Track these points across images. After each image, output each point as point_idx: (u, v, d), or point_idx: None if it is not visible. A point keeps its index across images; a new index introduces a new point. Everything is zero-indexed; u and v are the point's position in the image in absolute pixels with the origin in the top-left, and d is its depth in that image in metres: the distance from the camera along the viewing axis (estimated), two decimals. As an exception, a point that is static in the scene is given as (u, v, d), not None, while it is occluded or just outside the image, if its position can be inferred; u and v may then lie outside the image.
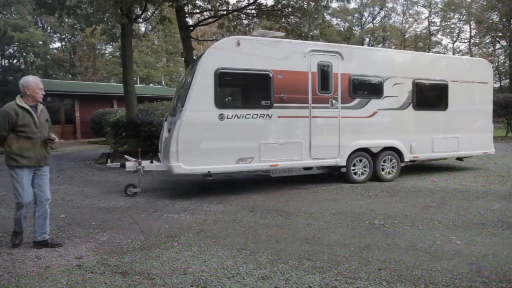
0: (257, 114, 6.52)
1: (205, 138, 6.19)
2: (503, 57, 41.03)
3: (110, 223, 4.99)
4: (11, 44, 18.04)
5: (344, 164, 7.32)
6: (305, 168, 7.32)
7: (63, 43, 41.70)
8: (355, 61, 7.45)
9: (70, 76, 38.87)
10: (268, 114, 6.60)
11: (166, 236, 4.35)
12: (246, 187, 7.44)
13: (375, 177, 7.70)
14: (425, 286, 2.99)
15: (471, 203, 5.78)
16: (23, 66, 18.24)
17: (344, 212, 5.33)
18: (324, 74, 7.11)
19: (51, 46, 39.72)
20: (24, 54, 21.77)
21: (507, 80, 42.31)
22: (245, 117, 6.42)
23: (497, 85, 42.82)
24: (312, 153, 6.97)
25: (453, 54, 42.91)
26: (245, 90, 6.90)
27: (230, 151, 6.33)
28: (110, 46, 38.69)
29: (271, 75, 6.63)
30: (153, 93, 26.13)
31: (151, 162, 6.84)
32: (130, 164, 6.72)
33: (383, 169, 7.80)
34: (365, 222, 4.84)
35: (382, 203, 5.89)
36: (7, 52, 17.39)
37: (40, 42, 33.84)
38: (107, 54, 41.18)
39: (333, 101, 7.16)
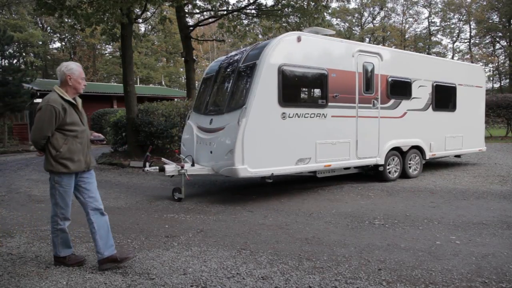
0: (314, 113, 6.43)
1: (268, 138, 5.89)
2: (503, 57, 41.06)
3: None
4: (11, 44, 17.99)
5: (383, 162, 7.46)
6: (345, 168, 7.30)
7: (63, 43, 41.72)
8: (391, 63, 7.67)
9: (70, 76, 38.83)
10: (323, 114, 6.53)
11: (166, 236, 4.35)
12: (246, 187, 7.44)
13: (403, 174, 7.96)
14: (425, 286, 2.99)
15: (471, 203, 5.78)
16: (23, 66, 18.19)
17: (344, 212, 5.33)
18: (368, 74, 7.23)
19: (51, 46, 39.78)
20: (24, 54, 21.81)
21: (507, 80, 42.31)
22: (304, 116, 6.29)
23: (497, 85, 42.83)
24: (358, 153, 7.03)
25: (453, 54, 42.93)
26: (304, 88, 6.76)
27: (291, 151, 6.12)
28: (110, 46, 38.72)
29: (326, 73, 6.58)
30: (153, 93, 26.14)
31: (192, 165, 6.32)
32: (171, 168, 6.14)
33: (410, 167, 8.05)
34: (365, 222, 4.84)
35: (382, 203, 5.89)
36: (7, 52, 17.34)
37: (40, 42, 33.87)
38: (107, 54, 41.22)
39: (375, 101, 7.28)
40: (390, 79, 7.56)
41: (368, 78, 7.22)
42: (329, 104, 6.60)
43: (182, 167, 6.11)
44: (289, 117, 6.07)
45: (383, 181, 7.61)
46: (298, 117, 6.21)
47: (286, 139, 6.05)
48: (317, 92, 6.66)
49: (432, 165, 9.73)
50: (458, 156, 9.89)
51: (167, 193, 6.98)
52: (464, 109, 9.11)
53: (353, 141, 6.95)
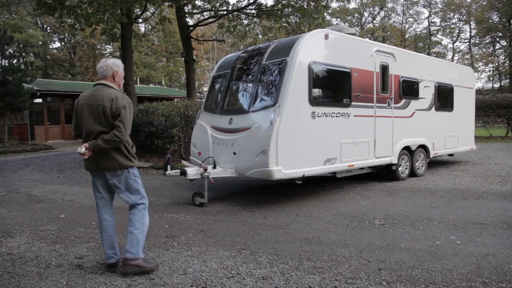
0: (340, 113, 6.33)
1: (300, 138, 5.73)
2: (503, 57, 41.06)
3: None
4: (11, 44, 18.00)
5: (396, 161, 7.49)
6: (360, 168, 7.21)
7: (63, 43, 41.73)
8: (403, 63, 7.74)
9: (70, 76, 38.90)
10: (347, 113, 6.45)
11: (166, 236, 4.35)
12: (246, 187, 7.43)
13: (411, 173, 8.07)
14: (425, 286, 2.99)
15: (471, 203, 5.78)
16: (23, 66, 18.17)
17: (344, 212, 5.33)
18: (384, 74, 7.26)
19: (51, 46, 39.78)
20: (24, 54, 21.80)
21: (507, 80, 42.30)
22: (331, 116, 6.18)
23: (497, 85, 42.82)
24: (376, 152, 7.02)
25: (453, 54, 42.92)
26: (330, 87, 6.58)
27: (319, 152, 5.99)
28: (110, 46, 38.72)
29: (350, 72, 6.51)
30: (153, 93, 26.13)
31: (214, 167, 6.00)
32: (193, 171, 5.77)
33: (416, 165, 8.19)
34: (365, 222, 4.84)
35: (382, 203, 5.89)
36: (7, 52, 17.35)
37: (40, 43, 33.88)
38: (107, 54, 41.18)
39: (389, 101, 7.33)
40: (401, 79, 7.62)
41: (384, 78, 7.26)
42: (352, 103, 6.55)
43: (206, 169, 5.78)
44: (318, 116, 5.94)
45: (389, 181, 7.61)
46: (326, 116, 6.09)
47: (315, 139, 5.93)
48: (342, 91, 6.55)
49: (432, 165, 9.73)
50: (451, 154, 10.16)
51: (167, 193, 6.98)
52: (459, 109, 9.40)
53: (372, 140, 6.94)
